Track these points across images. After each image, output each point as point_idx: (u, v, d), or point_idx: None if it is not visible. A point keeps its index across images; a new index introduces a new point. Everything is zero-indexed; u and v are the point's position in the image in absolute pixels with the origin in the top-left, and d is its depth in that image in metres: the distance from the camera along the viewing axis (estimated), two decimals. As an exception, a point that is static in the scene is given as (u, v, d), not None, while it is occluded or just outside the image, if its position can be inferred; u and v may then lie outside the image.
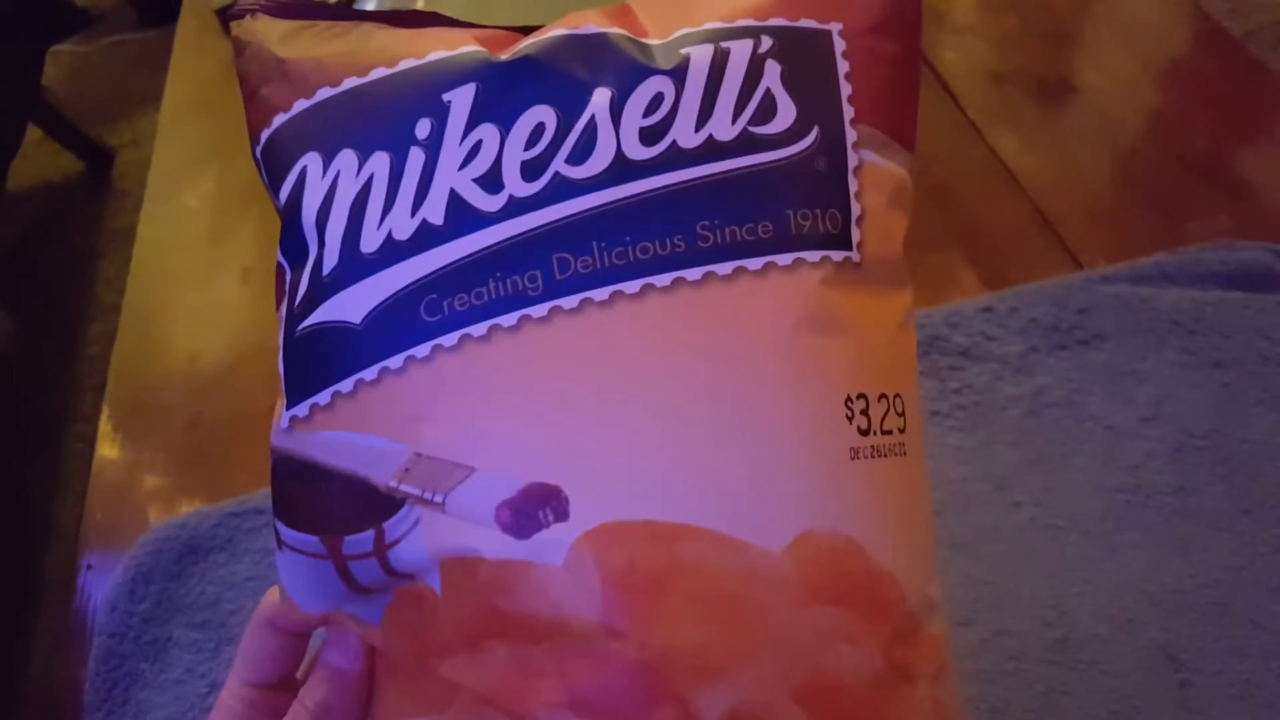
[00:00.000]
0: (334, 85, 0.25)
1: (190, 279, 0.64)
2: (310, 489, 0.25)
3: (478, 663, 0.23)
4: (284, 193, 0.25)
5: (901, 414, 0.24)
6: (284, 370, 0.25)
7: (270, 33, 0.27)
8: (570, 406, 0.22)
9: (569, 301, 0.23)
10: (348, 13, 0.27)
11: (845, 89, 0.25)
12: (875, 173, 0.25)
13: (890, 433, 0.24)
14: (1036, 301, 0.50)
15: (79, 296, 1.64)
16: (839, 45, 0.25)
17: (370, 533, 0.24)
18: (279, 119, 0.26)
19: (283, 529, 0.25)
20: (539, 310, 0.23)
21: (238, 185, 0.69)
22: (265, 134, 0.26)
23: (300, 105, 0.25)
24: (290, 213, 0.25)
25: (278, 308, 0.26)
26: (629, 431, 0.22)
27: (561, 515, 0.22)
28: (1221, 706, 0.39)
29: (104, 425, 0.58)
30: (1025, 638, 0.41)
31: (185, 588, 0.48)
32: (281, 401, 0.25)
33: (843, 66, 0.25)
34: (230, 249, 0.65)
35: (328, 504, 0.24)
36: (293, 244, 0.25)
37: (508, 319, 0.23)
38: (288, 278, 0.25)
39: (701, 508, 0.22)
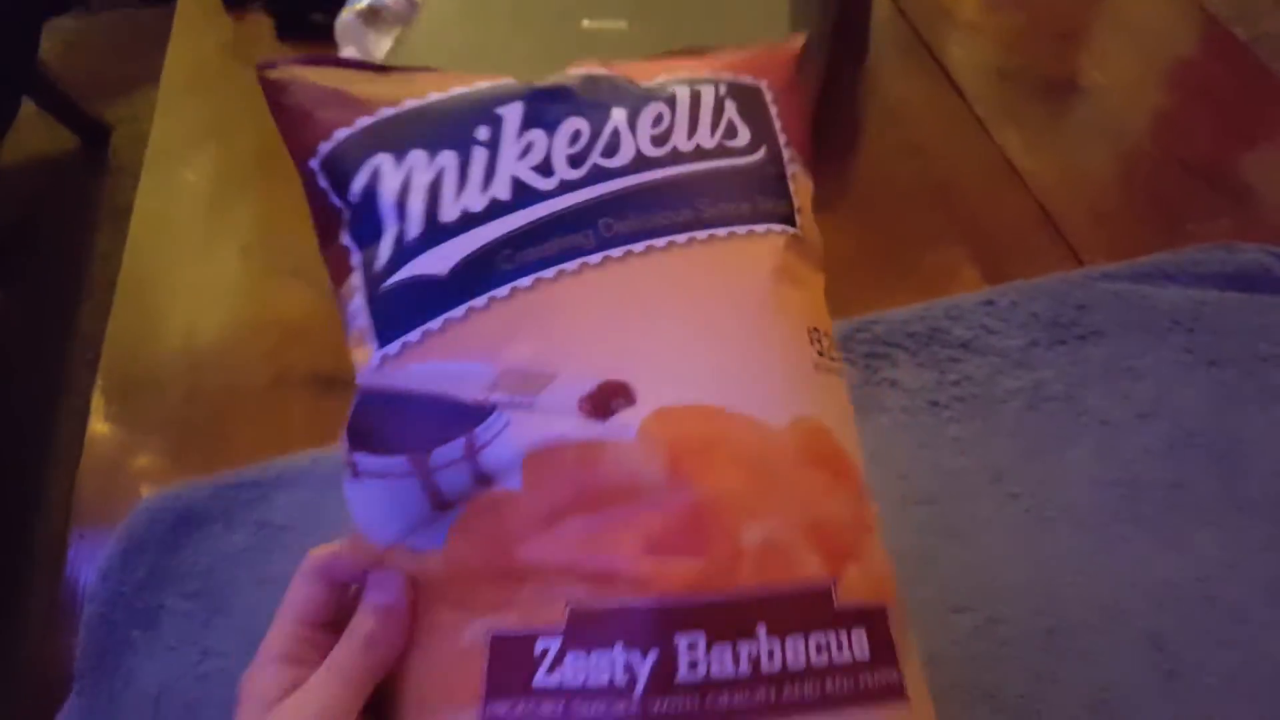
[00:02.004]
0: (394, 105, 0.31)
1: (188, 254, 0.64)
2: (399, 415, 0.29)
3: (558, 538, 0.28)
4: (356, 186, 0.30)
5: (837, 351, 0.33)
6: (373, 320, 0.30)
7: (309, 75, 0.32)
8: (626, 324, 0.29)
9: (616, 252, 0.29)
10: (376, 66, 0.33)
11: (777, 123, 0.34)
12: (801, 181, 0.34)
13: (833, 359, 0.32)
14: (1037, 296, 0.50)
15: (73, 272, 1.63)
16: (768, 95, 0.34)
17: (460, 441, 0.28)
18: (341, 133, 0.31)
19: (362, 459, 0.29)
20: (594, 259, 0.29)
21: (236, 162, 0.69)
22: (325, 146, 0.31)
23: (363, 122, 0.31)
24: (364, 201, 0.30)
25: (339, 284, 0.31)
26: (672, 341, 0.29)
27: (631, 402, 0.28)
28: (1205, 697, 0.39)
29: (97, 399, 0.58)
30: (1017, 625, 0.41)
31: (178, 557, 0.48)
32: (366, 350, 0.30)
33: (773, 109, 0.34)
34: (228, 225, 0.65)
35: (416, 424, 0.29)
36: (366, 226, 0.30)
37: (571, 265, 0.29)
38: (354, 256, 0.31)
39: (729, 396, 0.29)
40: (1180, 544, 0.43)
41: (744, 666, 0.26)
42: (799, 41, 0.37)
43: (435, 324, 0.29)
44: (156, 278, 0.63)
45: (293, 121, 0.31)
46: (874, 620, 0.28)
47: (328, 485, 0.50)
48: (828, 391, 0.31)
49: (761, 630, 0.26)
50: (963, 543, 0.44)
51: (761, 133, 0.33)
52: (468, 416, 0.28)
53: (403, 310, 0.29)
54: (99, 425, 0.56)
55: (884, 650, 0.28)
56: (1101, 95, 0.62)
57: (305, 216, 0.32)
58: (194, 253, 0.64)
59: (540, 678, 0.27)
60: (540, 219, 0.30)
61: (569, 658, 0.27)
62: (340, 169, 0.31)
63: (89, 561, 0.50)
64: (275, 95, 0.32)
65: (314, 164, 0.31)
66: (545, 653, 0.27)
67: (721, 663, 0.26)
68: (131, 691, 0.45)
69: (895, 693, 0.28)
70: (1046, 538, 0.44)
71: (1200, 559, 0.43)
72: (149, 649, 0.46)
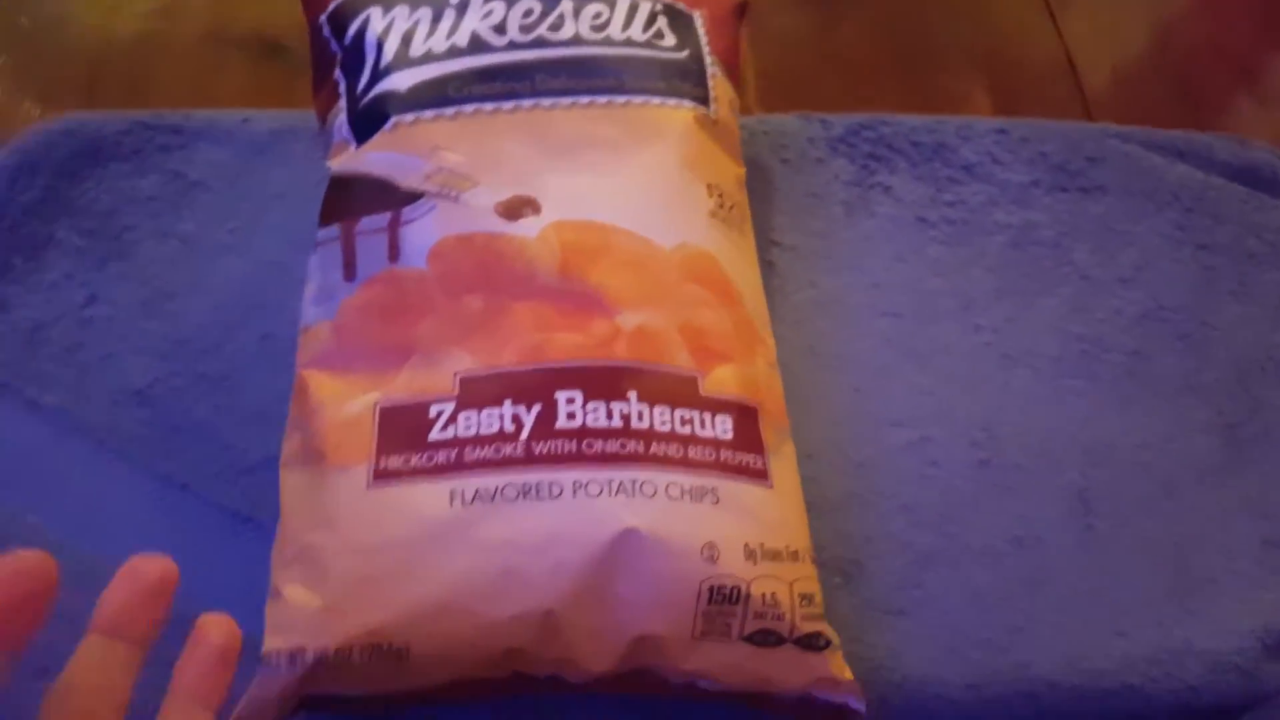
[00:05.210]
0: None
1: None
2: (348, 191, 0.36)
3: (455, 314, 0.33)
4: (350, 31, 0.39)
5: (742, 216, 0.39)
6: (352, 129, 0.37)
7: None
8: (544, 155, 0.36)
9: (546, 101, 0.37)
10: None
11: (704, 38, 0.41)
12: (719, 82, 0.40)
13: (730, 213, 0.38)
14: (1050, 137, 0.47)
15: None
16: (699, 20, 0.41)
17: (388, 214, 0.35)
18: None
19: (319, 233, 0.36)
20: (527, 103, 0.37)
21: None
22: (333, 4, 0.40)
23: None
24: (354, 42, 0.39)
25: (327, 115, 0.39)
26: (580, 172, 0.36)
27: (537, 212, 0.35)
28: (1117, 554, 0.39)
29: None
30: (950, 450, 0.41)
31: (77, 189, 0.43)
32: (346, 154, 0.37)
33: (702, 27, 0.41)
34: None
35: (357, 198, 0.35)
36: (353, 60, 0.38)
37: (507, 105, 0.37)
38: (341, 87, 0.39)
39: (625, 217, 0.35)
40: (1127, 410, 0.42)
41: (616, 420, 0.31)
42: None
43: (389, 125, 0.36)
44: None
45: None
46: (742, 413, 0.33)
47: (256, 151, 0.45)
48: (721, 234, 0.36)
49: (633, 395, 0.31)
50: (918, 362, 0.42)
51: (686, 42, 0.40)
52: (398, 197, 0.35)
53: (372, 118, 0.37)
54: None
55: (749, 439, 0.33)
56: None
57: None
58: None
59: (435, 434, 0.31)
60: (489, 65, 0.37)
61: (461, 416, 0.31)
62: (340, 20, 0.39)
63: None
64: None
65: (322, 19, 0.40)
66: (440, 414, 0.31)
67: (596, 415, 0.31)
68: (3, 321, 0.40)
69: (756, 474, 0.32)
70: (1000, 375, 0.42)
71: (1143, 428, 0.42)
72: (29, 281, 0.42)
